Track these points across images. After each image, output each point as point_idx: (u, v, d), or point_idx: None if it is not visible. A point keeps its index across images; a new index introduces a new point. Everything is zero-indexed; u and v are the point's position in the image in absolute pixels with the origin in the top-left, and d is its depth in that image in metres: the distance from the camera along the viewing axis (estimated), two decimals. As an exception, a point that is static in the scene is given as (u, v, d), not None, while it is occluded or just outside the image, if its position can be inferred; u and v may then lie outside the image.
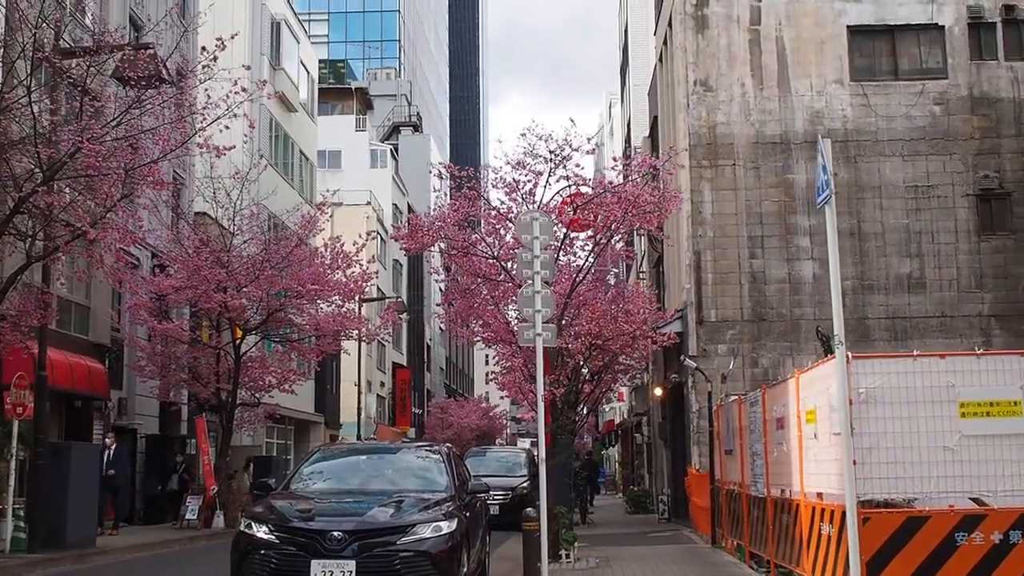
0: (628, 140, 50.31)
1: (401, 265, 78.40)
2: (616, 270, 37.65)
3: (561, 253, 21.18)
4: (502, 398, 41.72)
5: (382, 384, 71.72)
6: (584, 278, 20.06)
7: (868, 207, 27.70)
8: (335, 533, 11.79)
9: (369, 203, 69.12)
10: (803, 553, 12.84)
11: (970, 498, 10.58)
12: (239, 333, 30.06)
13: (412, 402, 78.75)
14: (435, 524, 12.31)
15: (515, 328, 18.86)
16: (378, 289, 62.25)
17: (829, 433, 11.28)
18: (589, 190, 19.99)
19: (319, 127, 60.55)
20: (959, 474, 10.51)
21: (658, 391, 33.35)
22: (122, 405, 30.20)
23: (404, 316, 71.81)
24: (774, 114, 27.95)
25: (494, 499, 31.21)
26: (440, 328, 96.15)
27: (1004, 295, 27.37)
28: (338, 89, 79.71)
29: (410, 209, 74.64)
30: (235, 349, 29.73)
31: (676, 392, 30.13)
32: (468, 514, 13.90)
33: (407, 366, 77.65)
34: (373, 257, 32.15)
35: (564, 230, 19.91)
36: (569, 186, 19.92)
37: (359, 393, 51.16)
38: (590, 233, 20.90)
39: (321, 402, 53.92)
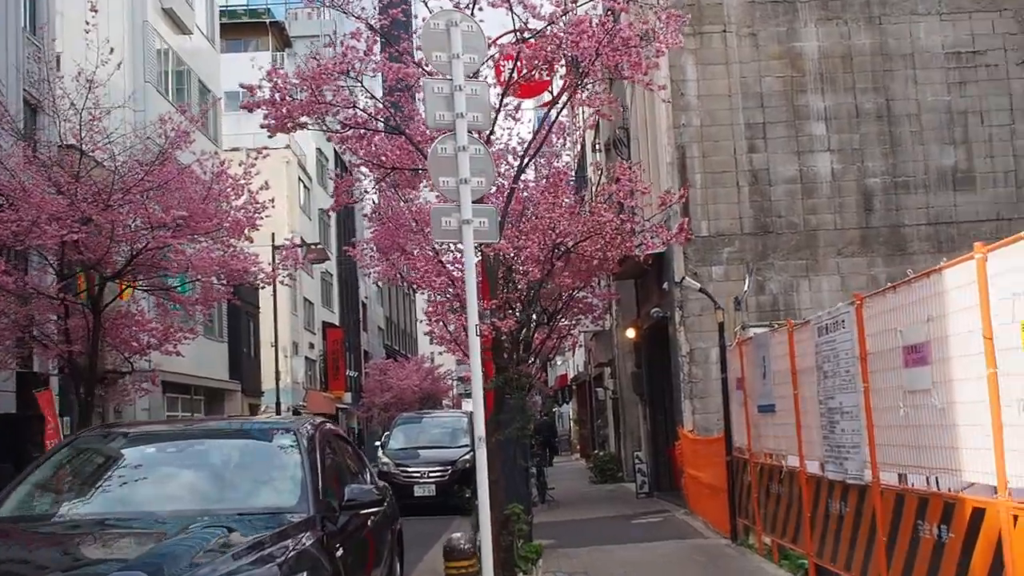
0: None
1: (329, 216, 71.41)
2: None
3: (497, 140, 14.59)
4: (440, 353, 35.63)
5: (311, 346, 65.06)
6: (535, 156, 13.05)
7: (899, 82, 21.27)
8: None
9: (288, 146, 62.29)
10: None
11: None
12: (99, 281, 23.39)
13: (347, 364, 72.03)
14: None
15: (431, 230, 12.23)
16: (302, 240, 55.69)
17: None
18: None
19: (231, 65, 53.53)
20: None
21: (630, 333, 26.82)
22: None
23: (325, 268, 65.03)
24: (774, -37, 21.43)
25: (429, 477, 24.98)
26: (376, 285, 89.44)
27: (1075, 189, 21.12)
28: (252, 24, 71.97)
29: (337, 157, 67.69)
30: (92, 301, 22.99)
31: (656, 332, 23.63)
32: (343, 549, 7.43)
33: (339, 325, 70.87)
34: (266, 183, 25.23)
35: (499, 92, 13.11)
36: (516, 31, 13.06)
37: (276, 354, 44.44)
38: (544, 99, 14.31)
39: (236, 367, 47.27)
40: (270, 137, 13.70)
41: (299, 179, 62.81)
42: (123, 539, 6.52)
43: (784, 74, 21.18)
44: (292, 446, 7.91)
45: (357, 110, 13.14)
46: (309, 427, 8.42)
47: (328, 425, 9.26)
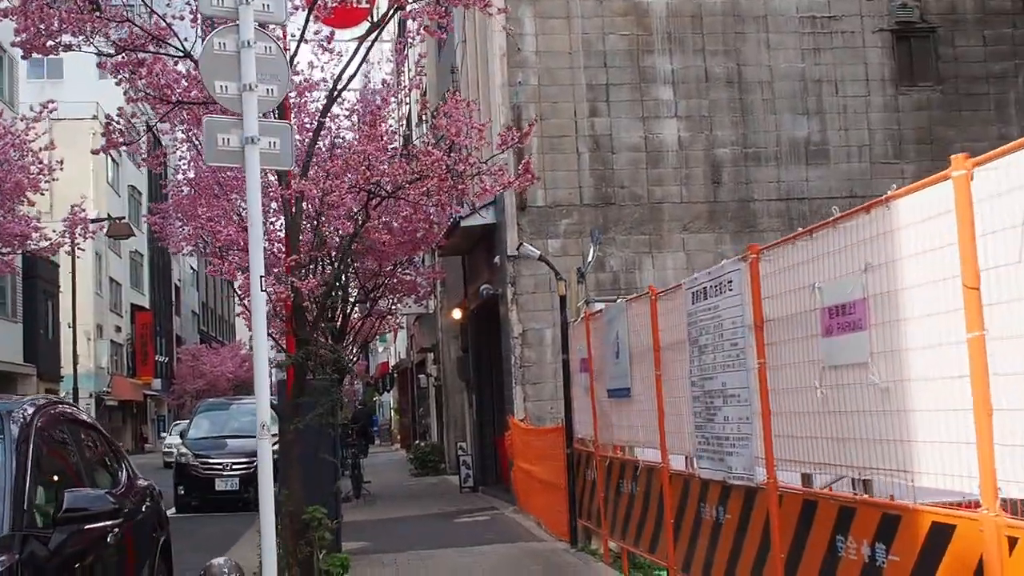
0: None
1: (140, 193, 67.48)
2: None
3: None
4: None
5: (118, 329, 61.22)
6: (350, 82, 10.77)
7: (751, 45, 19.78)
8: None
9: (95, 116, 58.20)
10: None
11: None
12: None
13: (157, 349, 68.31)
14: None
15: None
16: (108, 214, 51.95)
17: None
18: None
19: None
20: None
21: (456, 314, 24.79)
22: None
23: (135, 248, 61.25)
24: (620, -89, 19.64)
25: (233, 469, 22.69)
26: (192, 268, 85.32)
27: (929, 166, 19.65)
28: (58, -14, 67.35)
29: (148, 129, 63.81)
30: None
31: (485, 313, 21.69)
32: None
33: (149, 308, 67.08)
34: (52, 142, 22.46)
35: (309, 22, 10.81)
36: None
37: (75, 336, 41.06)
38: (361, 31, 12.13)
39: (32, 350, 43.56)
40: (24, 59, 11.17)
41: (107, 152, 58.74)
42: None
43: (629, 32, 19.44)
44: (-5, 440, 5.63)
45: (135, 27, 10.74)
46: (27, 410, 6.14)
47: (61, 407, 6.97)
